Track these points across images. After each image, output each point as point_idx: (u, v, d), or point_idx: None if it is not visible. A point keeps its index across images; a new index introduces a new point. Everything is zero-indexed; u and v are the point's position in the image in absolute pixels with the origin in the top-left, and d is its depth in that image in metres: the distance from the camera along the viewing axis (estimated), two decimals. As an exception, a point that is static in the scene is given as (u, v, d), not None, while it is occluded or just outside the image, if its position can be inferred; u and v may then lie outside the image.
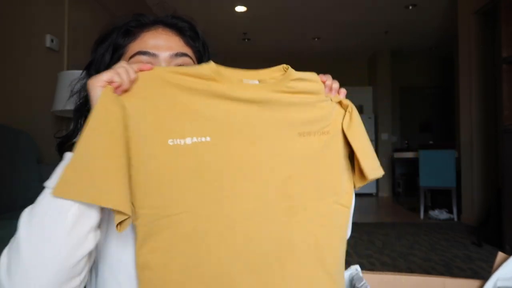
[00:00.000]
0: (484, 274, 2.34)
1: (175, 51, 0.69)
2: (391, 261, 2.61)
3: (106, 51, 0.72)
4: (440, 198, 5.01)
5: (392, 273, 0.84)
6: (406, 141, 7.42)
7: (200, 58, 0.77)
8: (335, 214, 0.67)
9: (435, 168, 4.36)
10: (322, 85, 0.68)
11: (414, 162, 5.15)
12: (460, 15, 4.30)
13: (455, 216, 4.33)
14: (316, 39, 6.42)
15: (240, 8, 5.09)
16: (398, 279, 0.82)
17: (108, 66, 0.71)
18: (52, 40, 2.67)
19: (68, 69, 2.84)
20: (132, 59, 0.68)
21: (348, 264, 0.70)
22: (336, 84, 0.69)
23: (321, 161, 0.66)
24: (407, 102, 7.72)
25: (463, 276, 2.29)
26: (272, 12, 5.23)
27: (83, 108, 0.74)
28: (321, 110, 0.68)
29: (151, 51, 0.68)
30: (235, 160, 0.60)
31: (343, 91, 0.71)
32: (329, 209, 0.66)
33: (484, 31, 4.02)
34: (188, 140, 0.58)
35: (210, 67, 0.61)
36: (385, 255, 2.76)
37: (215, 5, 4.94)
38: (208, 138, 0.59)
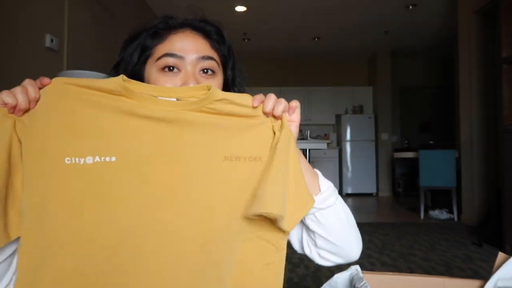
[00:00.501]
0: (484, 274, 2.34)
1: (201, 54, 0.70)
2: (391, 261, 2.61)
3: (135, 51, 0.72)
4: (440, 198, 5.01)
5: (392, 273, 0.84)
6: (406, 141, 7.42)
7: (226, 62, 0.77)
8: (259, 252, 0.58)
9: (435, 168, 4.36)
10: (256, 110, 0.60)
11: (414, 162, 5.15)
12: (460, 15, 4.30)
13: (455, 216, 4.33)
14: (316, 39, 6.42)
15: (240, 8, 5.10)
16: (398, 279, 0.82)
17: (135, 66, 0.72)
18: (52, 40, 2.66)
19: (68, 69, 2.84)
20: (159, 61, 0.69)
21: (348, 264, 0.70)
22: (280, 107, 0.60)
23: (248, 190, 0.57)
24: (407, 102, 7.72)
25: (463, 276, 2.29)
26: (272, 12, 5.23)
27: None
28: (254, 134, 0.59)
29: (178, 53, 0.68)
30: (144, 184, 0.53)
31: (294, 109, 0.62)
32: (251, 245, 0.57)
33: (484, 31, 4.02)
34: (89, 160, 0.53)
35: (117, 81, 0.55)
36: (385, 255, 2.76)
37: (215, 5, 4.94)
38: (113, 158, 0.53)
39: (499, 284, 0.79)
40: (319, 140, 7.12)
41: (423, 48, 7.01)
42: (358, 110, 7.28)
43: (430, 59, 7.60)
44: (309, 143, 4.97)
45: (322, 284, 2.08)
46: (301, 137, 7.62)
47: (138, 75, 0.72)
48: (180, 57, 0.68)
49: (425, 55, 7.46)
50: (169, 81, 0.68)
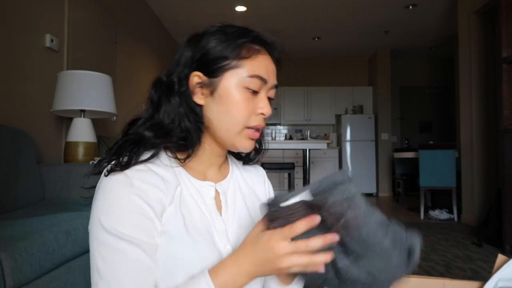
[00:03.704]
0: (484, 274, 2.34)
1: (276, 83, 0.74)
2: (391, 261, 2.61)
3: (217, 47, 0.68)
4: (440, 198, 5.01)
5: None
6: (406, 141, 7.42)
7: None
8: None
9: (435, 168, 4.36)
10: None
11: (414, 162, 5.15)
12: (460, 15, 4.30)
13: (455, 216, 4.33)
14: (316, 39, 6.42)
15: (240, 8, 5.09)
16: (398, 280, 0.82)
17: (210, 68, 0.69)
18: (52, 40, 2.66)
19: (68, 69, 2.84)
20: (248, 80, 0.68)
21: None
22: None
23: None
24: (407, 102, 7.72)
25: (464, 276, 2.29)
26: (272, 12, 5.23)
27: (172, 89, 0.69)
28: None
29: (266, 78, 0.70)
30: None
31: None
32: None
33: (484, 31, 4.02)
34: None
35: None
36: (385, 255, 2.76)
37: (215, 5, 4.94)
38: None
39: (500, 284, 0.79)
40: (319, 140, 7.13)
41: (423, 48, 7.01)
42: (358, 110, 7.28)
43: (430, 59, 7.60)
44: (309, 143, 4.97)
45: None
46: (301, 137, 7.63)
47: (208, 77, 0.69)
48: (265, 82, 0.70)
49: (425, 55, 7.46)
50: (250, 102, 0.69)
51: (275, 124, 7.63)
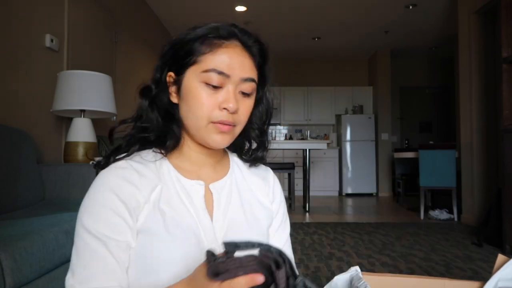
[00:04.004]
0: (484, 274, 2.34)
1: (245, 76, 0.70)
2: (391, 261, 2.61)
3: (179, 52, 0.71)
4: (440, 198, 5.01)
5: (392, 274, 0.84)
6: (406, 141, 7.42)
7: (263, 81, 0.77)
8: None
9: (435, 168, 4.36)
10: None
11: (414, 162, 5.15)
12: (460, 15, 4.30)
13: (455, 216, 4.33)
14: (316, 39, 6.42)
15: (240, 8, 5.09)
16: (398, 280, 0.82)
17: (176, 66, 0.71)
18: (52, 40, 2.66)
19: (68, 69, 2.84)
20: (205, 74, 0.68)
21: (348, 264, 0.70)
22: None
23: None
24: (407, 102, 7.73)
25: (464, 276, 2.29)
26: (272, 12, 5.23)
27: (149, 92, 0.74)
28: None
29: (226, 72, 0.68)
30: None
31: None
32: None
33: (484, 31, 4.02)
34: None
35: None
36: (385, 255, 2.76)
37: (215, 5, 4.94)
38: None
39: (500, 284, 0.79)
40: (319, 140, 7.13)
41: (423, 48, 7.01)
42: (358, 110, 7.28)
43: (430, 59, 7.60)
44: (309, 143, 4.97)
45: (322, 284, 2.08)
46: (301, 137, 7.63)
47: (176, 76, 0.72)
48: (226, 76, 0.68)
49: (425, 55, 7.47)
50: (210, 97, 0.68)
51: (275, 124, 7.64)
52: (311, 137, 7.55)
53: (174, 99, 0.73)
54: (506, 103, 2.93)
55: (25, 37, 2.43)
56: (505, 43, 2.94)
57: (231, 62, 0.68)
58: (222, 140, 0.70)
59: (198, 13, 5.12)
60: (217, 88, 0.68)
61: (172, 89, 0.73)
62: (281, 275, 0.51)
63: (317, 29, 5.95)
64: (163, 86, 0.73)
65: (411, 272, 2.38)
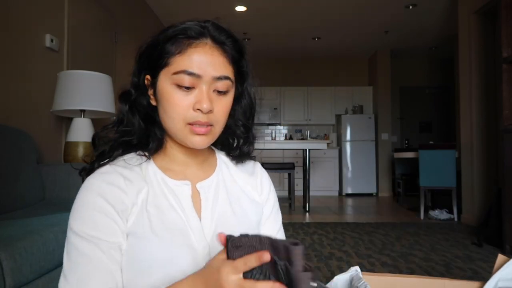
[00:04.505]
0: (484, 274, 2.34)
1: (218, 74, 0.68)
2: (391, 261, 2.61)
3: (152, 55, 0.72)
4: (440, 198, 5.00)
5: (392, 274, 0.84)
6: (406, 141, 7.42)
7: (241, 76, 0.76)
8: None
9: (435, 168, 4.36)
10: None
11: (414, 162, 5.15)
12: (460, 15, 4.30)
13: (455, 216, 4.33)
14: (316, 39, 6.42)
15: (240, 8, 5.09)
16: (398, 280, 0.82)
17: (150, 70, 0.72)
18: (52, 40, 2.66)
19: (68, 69, 2.84)
20: (176, 76, 0.67)
21: (348, 264, 0.70)
22: None
23: None
24: (407, 102, 7.73)
25: (464, 276, 2.29)
26: (272, 12, 5.23)
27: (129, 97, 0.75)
28: None
29: (196, 72, 0.67)
30: None
31: None
32: None
33: (484, 31, 4.02)
34: None
35: None
36: (385, 255, 2.76)
37: (215, 5, 4.94)
38: None
39: (500, 284, 0.79)
40: (319, 140, 7.13)
41: (423, 48, 7.01)
42: (358, 110, 7.28)
43: (430, 59, 7.60)
44: (309, 143, 4.97)
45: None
46: (301, 137, 7.63)
47: (152, 79, 0.72)
48: (198, 76, 0.67)
49: (425, 55, 7.47)
50: (183, 99, 0.67)
51: (275, 124, 7.64)
52: (311, 137, 7.55)
53: (153, 102, 0.73)
54: (506, 103, 2.93)
55: (25, 37, 2.43)
56: (505, 43, 2.94)
57: (201, 62, 0.67)
58: (201, 141, 0.70)
59: (198, 13, 5.12)
60: (189, 89, 0.68)
61: (150, 92, 0.73)
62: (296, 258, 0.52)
63: (317, 29, 5.95)
64: (142, 90, 0.74)
65: (411, 272, 2.38)
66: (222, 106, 0.70)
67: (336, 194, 7.15)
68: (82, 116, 2.50)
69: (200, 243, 0.67)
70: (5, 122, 2.12)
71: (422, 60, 7.64)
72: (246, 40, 6.31)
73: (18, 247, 1.13)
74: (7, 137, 1.90)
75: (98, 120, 3.01)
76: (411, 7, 5.01)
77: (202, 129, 0.68)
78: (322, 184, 7.07)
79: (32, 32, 2.50)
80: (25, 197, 1.89)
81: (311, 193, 5.97)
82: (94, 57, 3.37)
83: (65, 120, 2.82)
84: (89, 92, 2.37)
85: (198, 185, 0.75)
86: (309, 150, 4.86)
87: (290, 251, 0.52)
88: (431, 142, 4.94)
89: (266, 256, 0.51)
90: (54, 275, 1.31)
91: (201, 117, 0.67)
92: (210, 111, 0.68)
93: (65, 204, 1.94)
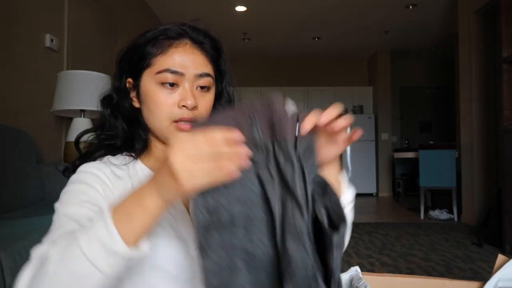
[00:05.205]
0: (484, 274, 2.34)
1: (200, 71, 0.71)
2: (391, 261, 2.61)
3: (133, 57, 0.74)
4: (440, 198, 5.01)
5: (391, 274, 0.84)
6: (406, 141, 7.42)
7: (220, 75, 0.79)
8: None
9: (435, 168, 4.36)
10: None
11: (414, 162, 5.15)
12: (460, 15, 4.30)
13: (455, 216, 4.33)
14: (316, 39, 6.42)
15: (240, 8, 5.09)
16: (398, 280, 0.82)
17: (133, 72, 0.74)
18: (52, 40, 2.66)
19: (68, 69, 2.84)
20: (159, 75, 0.70)
21: (348, 264, 0.70)
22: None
23: None
24: (407, 102, 7.72)
25: (464, 276, 2.29)
26: (272, 12, 5.23)
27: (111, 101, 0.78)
28: None
29: (179, 70, 0.69)
30: None
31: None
32: None
33: (484, 31, 4.02)
34: None
35: None
36: (385, 255, 2.76)
37: (215, 5, 4.94)
38: None
39: (500, 284, 0.79)
40: (319, 140, 7.13)
41: (423, 48, 7.01)
42: (358, 110, 7.28)
43: (430, 59, 7.60)
44: (309, 143, 4.96)
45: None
46: (301, 137, 7.63)
47: (134, 81, 0.74)
48: (181, 74, 0.70)
49: (425, 55, 7.46)
50: (168, 97, 0.69)
51: (275, 124, 7.63)
52: (311, 137, 7.55)
53: (136, 104, 0.75)
54: (506, 103, 2.93)
55: (25, 37, 2.43)
56: (505, 43, 2.94)
57: (183, 60, 0.70)
58: None
59: (198, 13, 5.12)
60: (173, 87, 0.70)
61: (133, 94, 0.75)
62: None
63: (317, 29, 5.95)
64: (123, 93, 0.75)
65: (411, 272, 2.38)
66: (206, 102, 0.72)
67: (336, 194, 7.15)
68: (82, 116, 2.50)
69: (190, 235, 0.68)
70: (5, 122, 2.12)
71: (422, 60, 7.63)
72: (246, 40, 6.31)
73: (18, 247, 1.13)
74: (7, 137, 1.90)
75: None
76: (411, 7, 5.01)
77: (187, 126, 0.70)
78: (322, 184, 7.06)
79: (32, 32, 2.50)
80: (25, 197, 1.89)
81: (311, 193, 5.95)
82: (94, 57, 3.37)
83: (65, 120, 2.82)
84: (89, 92, 2.37)
85: None
86: (309, 150, 4.86)
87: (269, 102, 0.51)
88: (431, 142, 4.94)
89: (236, 135, 0.47)
90: (54, 275, 1.31)
91: (187, 114, 0.69)
92: (195, 108, 0.70)
93: (65, 204, 1.94)
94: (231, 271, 0.51)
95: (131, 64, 0.73)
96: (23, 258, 1.13)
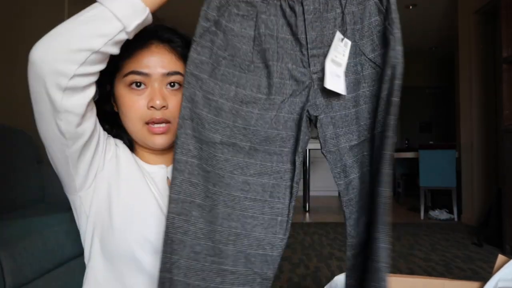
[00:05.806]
0: (484, 274, 2.34)
1: (167, 70, 0.72)
2: (391, 261, 2.60)
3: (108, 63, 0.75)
4: (440, 198, 5.01)
5: (391, 274, 0.84)
6: (406, 141, 7.42)
7: None
8: None
9: (435, 168, 4.36)
10: None
11: (414, 162, 5.15)
12: (460, 15, 4.30)
13: (455, 216, 4.32)
14: (316, 39, 6.42)
15: (240, 8, 5.09)
16: (397, 280, 0.82)
17: (106, 76, 0.74)
18: (52, 40, 2.66)
19: (68, 69, 2.84)
20: (126, 78, 0.71)
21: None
22: None
23: None
24: (407, 102, 7.72)
25: (464, 276, 2.29)
26: (272, 12, 5.23)
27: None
28: None
29: (144, 70, 0.70)
30: None
31: None
32: None
33: (484, 31, 4.02)
34: None
35: None
36: (385, 255, 2.76)
37: (215, 5, 4.94)
38: None
39: (500, 284, 0.79)
40: (319, 140, 7.12)
41: (423, 48, 7.01)
42: (358, 110, 7.28)
43: (430, 59, 7.60)
44: (309, 143, 4.96)
45: (322, 284, 2.08)
46: (301, 137, 7.63)
47: (111, 87, 0.76)
48: (146, 75, 0.70)
49: (425, 55, 7.46)
50: (137, 99, 0.70)
51: (275, 124, 7.64)
52: (311, 137, 7.54)
53: (115, 108, 0.77)
54: (506, 103, 2.93)
55: (25, 37, 2.43)
56: (505, 43, 2.94)
57: (149, 61, 0.71)
58: (161, 140, 0.73)
59: (198, 13, 5.11)
60: (142, 89, 0.70)
61: (112, 99, 0.77)
62: None
63: (317, 29, 5.95)
64: (105, 99, 0.76)
65: (411, 272, 2.38)
66: (176, 102, 0.71)
67: (336, 194, 7.15)
68: (82, 116, 2.50)
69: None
70: (5, 122, 2.12)
71: (422, 60, 7.63)
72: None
73: (18, 247, 1.13)
74: (7, 137, 1.90)
75: (98, 120, 3.01)
76: (411, 7, 5.01)
77: (160, 128, 0.71)
78: (322, 184, 7.07)
79: (32, 32, 2.50)
80: (25, 197, 1.89)
81: (311, 193, 5.96)
82: (94, 57, 3.37)
83: (65, 120, 2.82)
84: (89, 92, 2.37)
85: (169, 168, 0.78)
86: (309, 150, 4.87)
87: None
88: (431, 142, 4.95)
89: None
90: (54, 275, 1.32)
91: (156, 114, 0.70)
92: (164, 107, 0.70)
93: (65, 204, 1.94)
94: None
95: (105, 70, 0.72)
96: (23, 258, 1.13)
